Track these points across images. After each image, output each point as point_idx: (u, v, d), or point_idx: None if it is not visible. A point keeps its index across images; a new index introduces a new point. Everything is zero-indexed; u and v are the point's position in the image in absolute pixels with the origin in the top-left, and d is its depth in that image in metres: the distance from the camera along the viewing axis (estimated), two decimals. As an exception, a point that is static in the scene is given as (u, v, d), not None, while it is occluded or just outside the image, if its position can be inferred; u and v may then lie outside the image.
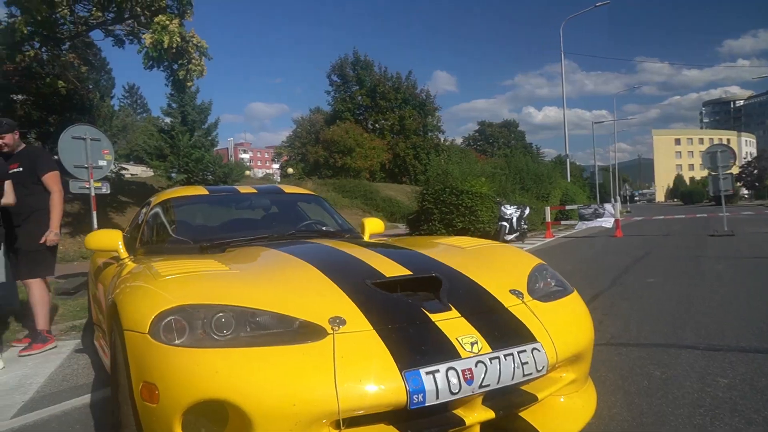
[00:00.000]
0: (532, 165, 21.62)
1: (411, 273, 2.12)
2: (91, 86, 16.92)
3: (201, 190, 3.72)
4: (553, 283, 2.38)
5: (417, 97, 41.63)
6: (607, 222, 15.91)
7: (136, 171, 27.98)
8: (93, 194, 6.98)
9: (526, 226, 15.58)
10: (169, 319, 1.66)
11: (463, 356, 1.68)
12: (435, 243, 2.85)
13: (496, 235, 14.40)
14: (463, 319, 1.86)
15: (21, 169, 4.12)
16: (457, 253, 2.54)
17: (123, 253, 3.15)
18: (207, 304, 1.71)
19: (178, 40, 8.94)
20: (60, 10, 9.52)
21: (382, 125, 39.88)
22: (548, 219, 16.70)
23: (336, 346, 1.64)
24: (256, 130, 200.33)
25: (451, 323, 1.83)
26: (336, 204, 24.30)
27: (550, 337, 1.90)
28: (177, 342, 1.62)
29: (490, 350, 1.73)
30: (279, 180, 42.04)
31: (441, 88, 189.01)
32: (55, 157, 6.34)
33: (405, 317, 1.82)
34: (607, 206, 16.46)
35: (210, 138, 24.90)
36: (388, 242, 3.02)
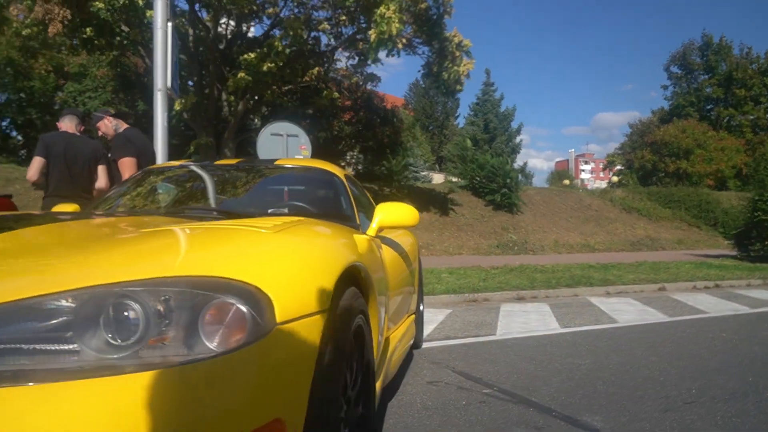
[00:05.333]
0: None
1: None
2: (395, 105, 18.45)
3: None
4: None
5: (799, 80, 31.66)
6: None
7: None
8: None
9: None
10: None
11: None
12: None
13: None
14: None
15: (108, 154, 4.30)
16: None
17: None
18: None
19: (397, 26, 8.63)
20: (319, 25, 10.52)
21: (740, 120, 31.71)
22: None
23: None
24: (603, 141, 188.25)
25: None
26: (650, 215, 20.32)
27: None
28: None
29: None
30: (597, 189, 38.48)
31: None
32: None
33: None
34: None
35: (511, 144, 24.38)
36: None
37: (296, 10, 11.66)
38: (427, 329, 4.46)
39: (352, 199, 2.82)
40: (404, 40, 9.98)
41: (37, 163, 3.97)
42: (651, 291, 7.42)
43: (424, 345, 3.83)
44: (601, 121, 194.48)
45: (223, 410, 0.81)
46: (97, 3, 9.87)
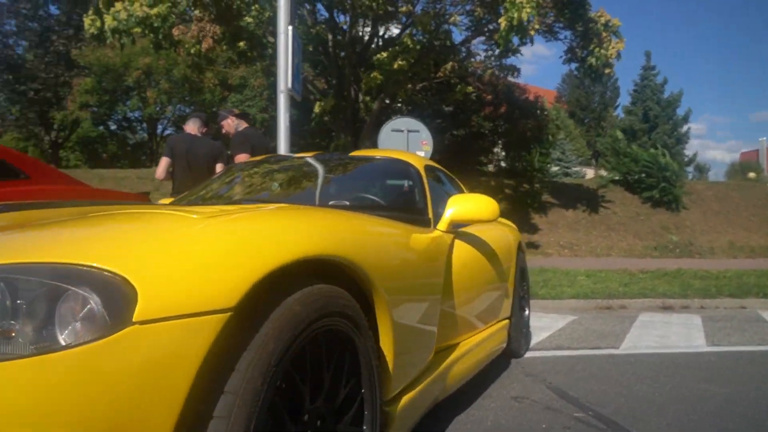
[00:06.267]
0: None
1: None
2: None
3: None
4: None
5: None
6: None
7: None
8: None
9: None
10: None
11: None
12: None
13: None
14: None
15: (229, 151, 4.57)
16: None
17: None
18: None
19: (529, 11, 8.01)
20: (450, 17, 10.24)
21: None
22: None
23: None
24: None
25: None
26: None
27: None
28: None
29: None
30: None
31: None
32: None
33: None
34: None
35: (676, 134, 21.68)
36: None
37: (429, 6, 11.53)
38: (539, 337, 4.03)
39: (426, 192, 2.60)
40: (536, 26, 9.30)
41: (163, 163, 4.37)
42: None
43: (528, 354, 3.44)
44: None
45: (36, 423, 0.68)
46: (246, 18, 10.75)
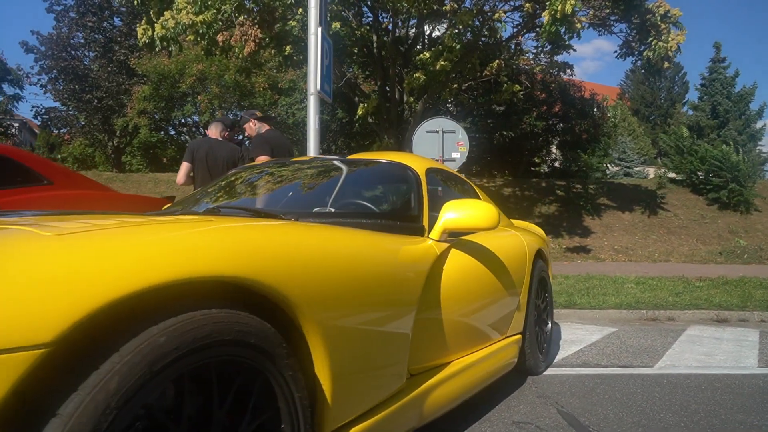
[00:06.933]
0: None
1: None
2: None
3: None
4: None
5: None
6: None
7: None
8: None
9: None
10: None
11: None
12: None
13: None
14: None
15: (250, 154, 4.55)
16: None
17: None
18: None
19: (573, 2, 7.60)
20: (494, 15, 9.90)
21: None
22: None
23: None
24: None
25: None
26: None
27: None
28: None
29: None
30: None
31: None
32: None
33: None
34: None
35: (749, 130, 20.17)
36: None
37: (470, 2, 11.22)
38: (567, 351, 3.75)
39: (423, 198, 2.44)
40: (584, 19, 8.82)
41: (184, 168, 4.40)
42: None
43: (547, 372, 3.19)
44: None
45: None
46: (291, 21, 10.85)
